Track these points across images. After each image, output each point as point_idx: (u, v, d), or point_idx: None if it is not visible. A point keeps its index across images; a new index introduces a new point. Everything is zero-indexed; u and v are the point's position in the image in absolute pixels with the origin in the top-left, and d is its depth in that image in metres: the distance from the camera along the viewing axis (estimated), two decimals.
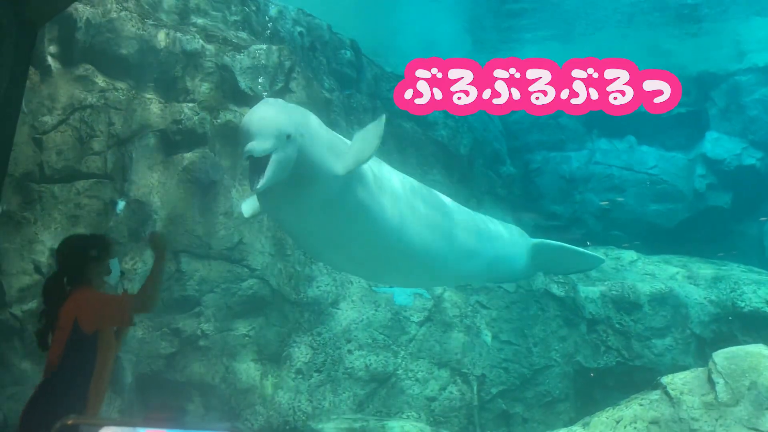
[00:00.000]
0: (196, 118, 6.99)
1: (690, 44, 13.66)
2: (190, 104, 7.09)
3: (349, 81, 9.71)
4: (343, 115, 8.79)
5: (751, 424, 5.31)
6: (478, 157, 11.63)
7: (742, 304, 8.01)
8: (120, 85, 6.97)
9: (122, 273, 3.73)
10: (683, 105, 13.23)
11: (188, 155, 6.88)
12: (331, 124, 8.38)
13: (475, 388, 7.28)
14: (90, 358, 3.41)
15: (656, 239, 11.28)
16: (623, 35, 13.95)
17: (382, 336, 7.33)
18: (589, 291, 8.15)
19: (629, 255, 8.91)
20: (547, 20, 13.90)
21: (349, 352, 7.16)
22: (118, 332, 3.66)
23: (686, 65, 13.45)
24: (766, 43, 13.18)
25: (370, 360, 7.17)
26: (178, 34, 7.26)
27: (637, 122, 13.11)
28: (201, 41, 7.37)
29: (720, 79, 13.02)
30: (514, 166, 12.56)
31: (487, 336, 7.66)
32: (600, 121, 13.28)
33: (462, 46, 13.98)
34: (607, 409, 5.98)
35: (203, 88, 7.21)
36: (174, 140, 6.93)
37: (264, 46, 7.78)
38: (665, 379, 5.89)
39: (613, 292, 8.10)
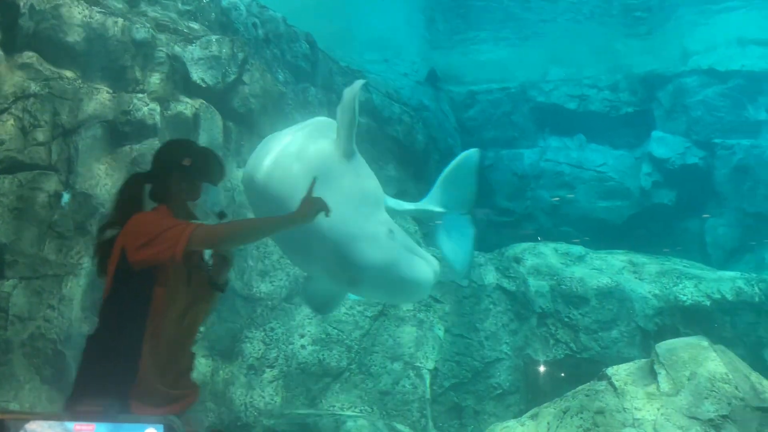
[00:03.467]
0: (145, 109, 6.82)
1: (638, 45, 14.07)
2: (140, 95, 6.92)
3: (304, 74, 9.64)
4: (297, 108, 8.72)
5: (690, 413, 5.50)
6: (434, 152, 11.71)
7: (684, 298, 8.31)
8: (66, 73, 6.75)
9: (222, 214, 2.84)
10: (631, 105, 13.68)
11: (137, 147, 6.71)
12: (285, 118, 8.33)
13: (427, 381, 7.35)
14: (137, 305, 2.56)
15: (604, 235, 11.60)
16: (575, 34, 14.25)
17: (336, 331, 7.32)
18: (540, 285, 8.32)
19: (578, 250, 9.13)
20: (499, 19, 14.09)
21: (303, 347, 7.13)
22: (196, 283, 2.72)
23: (634, 65, 13.86)
24: (710, 46, 13.68)
25: (323, 355, 7.15)
26: (128, 23, 7.07)
27: (587, 121, 13.46)
28: (151, 31, 7.19)
29: (666, 80, 13.46)
30: None
31: (440, 330, 7.73)
32: (551, 119, 13.58)
33: (417, 43, 14.05)
34: (555, 400, 6.12)
35: (153, 78, 7.04)
36: (122, 131, 6.75)
37: (216, 37, 7.65)
38: (610, 371, 6.06)
39: (563, 287, 8.30)
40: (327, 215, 2.71)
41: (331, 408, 6.94)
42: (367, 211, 4.44)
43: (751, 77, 13.18)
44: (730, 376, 5.58)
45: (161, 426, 1.51)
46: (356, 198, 4.43)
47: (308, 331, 7.22)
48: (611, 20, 14.04)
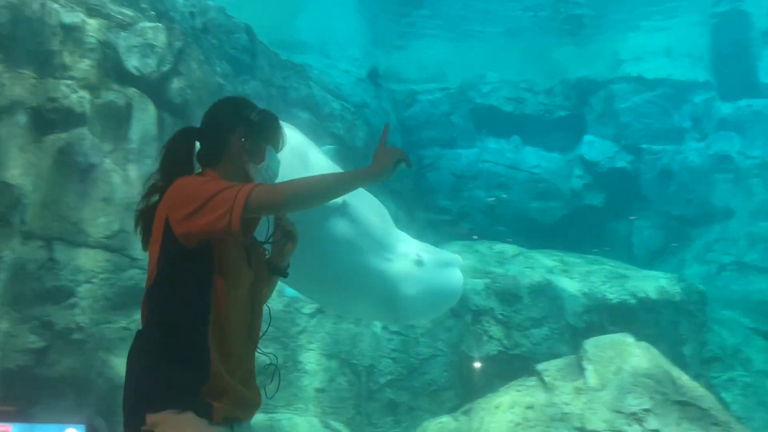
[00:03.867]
0: (74, 96, 6.53)
1: (573, 52, 14.52)
2: (68, 81, 6.61)
3: (243, 66, 9.45)
4: None
5: (615, 407, 5.72)
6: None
7: (611, 297, 8.65)
8: None
9: None
10: (565, 109, 14.12)
11: (65, 136, 6.41)
12: None
13: (363, 378, 7.36)
14: (195, 289, 2.09)
15: (537, 235, 11.94)
16: (513, 38, 14.57)
17: (272, 328, 7.20)
18: (475, 283, 8.48)
19: (512, 249, 9.35)
20: (441, 20, 14.24)
21: None
22: (256, 259, 2.29)
23: (569, 71, 14.30)
24: (639, 56, 14.28)
25: (257, 352, 7.04)
26: (56, 6, 6.74)
27: (523, 123, 13.81)
28: (81, 15, 6.89)
29: (598, 86, 13.97)
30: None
31: (377, 327, 7.76)
32: (489, 120, 13.85)
33: (361, 39, 14.03)
34: (488, 395, 6.25)
35: (83, 64, 6.74)
36: (48, 119, 6.43)
37: (152, 25, 7.41)
38: (541, 367, 6.24)
39: (497, 285, 8.48)
40: (409, 167, 2.29)
41: (266, 406, 6.85)
42: (387, 254, 4.38)
43: (677, 86, 13.84)
44: (653, 372, 5.85)
45: (83, 426, 1.42)
46: (371, 244, 4.28)
47: None
48: (548, 26, 14.44)
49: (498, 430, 5.82)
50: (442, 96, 13.97)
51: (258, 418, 6.37)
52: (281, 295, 7.39)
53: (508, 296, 8.43)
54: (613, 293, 8.68)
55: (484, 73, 14.27)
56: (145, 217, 2.25)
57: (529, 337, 8.28)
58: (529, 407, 5.90)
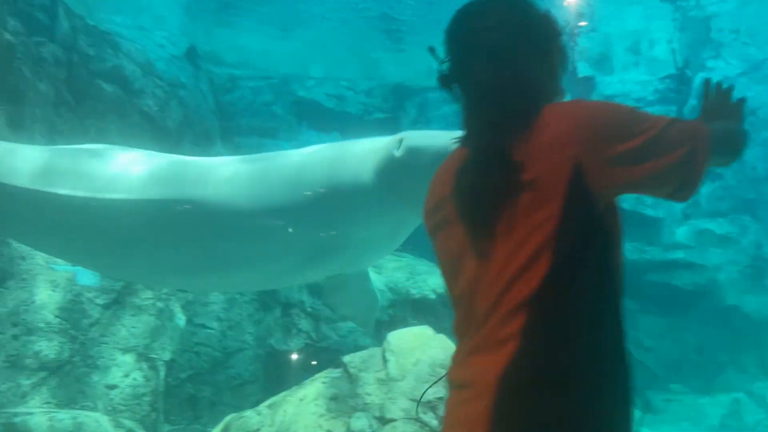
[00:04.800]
0: None
1: (392, 57, 15.11)
2: None
3: (40, 27, 8.44)
4: (30, 64, 7.61)
5: (413, 396, 6.03)
6: (188, 133, 11.16)
7: (414, 291, 9.16)
8: None
9: None
10: (383, 111, 14.65)
11: None
12: (14, 74, 7.22)
13: (162, 373, 6.96)
14: (610, 281, 1.39)
15: None
16: (337, 34, 14.77)
17: (58, 320, 6.55)
18: None
19: None
20: (263, 8, 13.96)
21: (15, 337, 6.24)
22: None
23: (388, 75, 14.87)
24: None
25: (40, 346, 6.34)
26: None
27: (344, 120, 14.07)
28: None
29: (413, 92, 14.73)
30: (225, 148, 12.38)
31: (181, 320, 7.41)
32: (310, 114, 13.90)
33: (178, 13, 13.21)
34: (293, 388, 6.25)
35: None
36: None
37: None
38: (346, 359, 6.37)
39: None
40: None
41: (46, 404, 6.19)
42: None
43: None
44: (447, 362, 6.27)
45: None
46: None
47: (23, 319, 6.34)
48: (371, 29, 14.86)
49: (302, 423, 5.84)
50: (264, 85, 13.72)
51: (35, 417, 5.72)
52: (72, 284, 6.73)
53: (318, 289, 8.52)
54: (416, 288, 9.19)
55: (307, 65, 14.29)
56: (511, 177, 1.40)
57: (336, 330, 8.44)
58: (333, 398, 5.99)
